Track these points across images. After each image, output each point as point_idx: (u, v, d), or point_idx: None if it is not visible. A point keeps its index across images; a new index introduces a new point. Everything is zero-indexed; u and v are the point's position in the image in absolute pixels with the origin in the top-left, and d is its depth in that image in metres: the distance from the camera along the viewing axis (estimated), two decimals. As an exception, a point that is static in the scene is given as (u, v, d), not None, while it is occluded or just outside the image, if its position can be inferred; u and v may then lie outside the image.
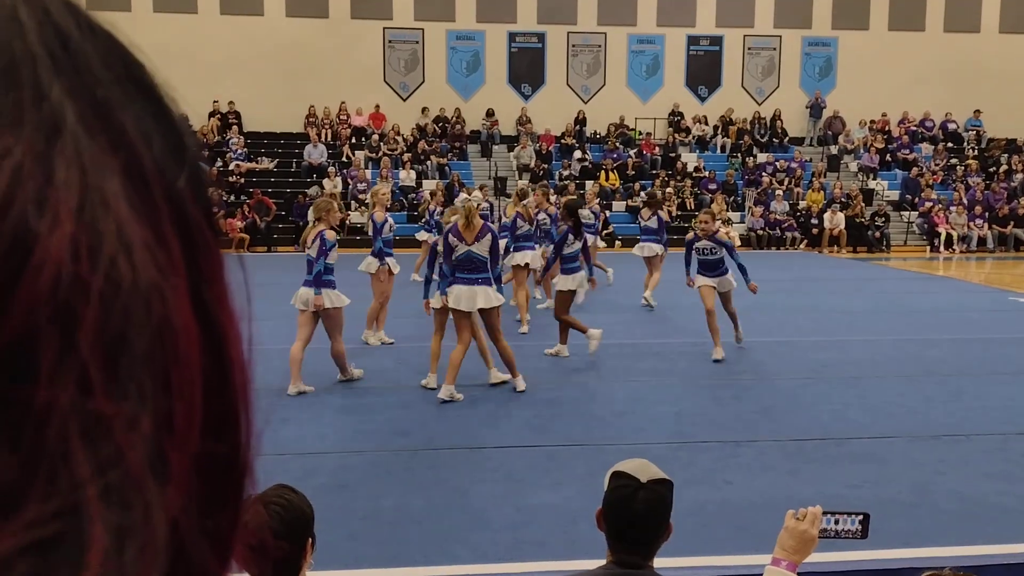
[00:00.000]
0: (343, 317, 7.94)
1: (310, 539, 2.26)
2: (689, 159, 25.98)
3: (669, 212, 23.65)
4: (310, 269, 7.77)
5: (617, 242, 21.54)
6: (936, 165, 26.25)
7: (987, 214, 23.90)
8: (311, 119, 25.62)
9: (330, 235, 7.85)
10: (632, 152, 25.80)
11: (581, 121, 26.71)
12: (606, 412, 7.22)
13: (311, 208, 9.32)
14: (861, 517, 2.29)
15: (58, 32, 0.28)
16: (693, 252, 9.63)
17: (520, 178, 24.47)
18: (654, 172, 25.32)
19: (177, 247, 0.28)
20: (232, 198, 22.58)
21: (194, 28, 25.27)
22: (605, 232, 18.79)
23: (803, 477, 5.74)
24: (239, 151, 24.24)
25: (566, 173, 24.80)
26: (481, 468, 5.94)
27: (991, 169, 26.29)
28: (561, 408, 7.33)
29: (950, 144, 27.43)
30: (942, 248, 23.03)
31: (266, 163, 24.47)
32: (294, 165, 24.65)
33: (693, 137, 26.93)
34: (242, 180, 23.35)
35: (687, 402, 7.53)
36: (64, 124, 0.26)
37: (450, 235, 7.50)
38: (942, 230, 23.29)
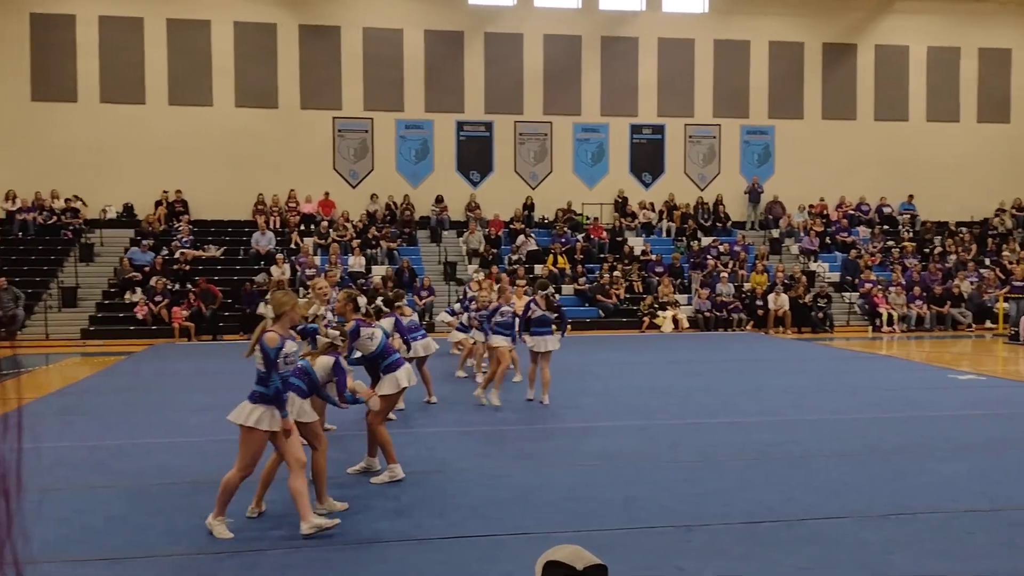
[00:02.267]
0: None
1: None
2: (636, 243, 26.45)
3: (617, 295, 23.96)
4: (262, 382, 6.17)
5: (568, 326, 21.57)
6: (874, 247, 27.08)
7: (925, 294, 24.61)
8: (259, 207, 25.60)
9: (271, 339, 6.14)
10: (580, 236, 26.19)
11: (529, 206, 27.12)
12: (553, 497, 7.10)
13: (268, 304, 7.20)
14: None
15: None
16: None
17: (470, 263, 24.60)
18: (602, 256, 25.68)
19: None
20: (178, 286, 22.27)
21: (142, 118, 25.31)
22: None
23: (755, 562, 5.67)
24: (185, 239, 24.03)
25: (515, 257, 25.01)
26: (431, 560, 5.76)
27: (926, 251, 27.19)
28: (507, 493, 7.19)
29: (886, 227, 28.38)
30: (884, 327, 23.56)
31: (213, 251, 24.26)
32: (241, 252, 24.48)
33: (639, 222, 27.47)
34: (187, 267, 23.08)
35: (636, 486, 7.45)
36: None
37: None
38: (883, 310, 23.88)
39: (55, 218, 24.29)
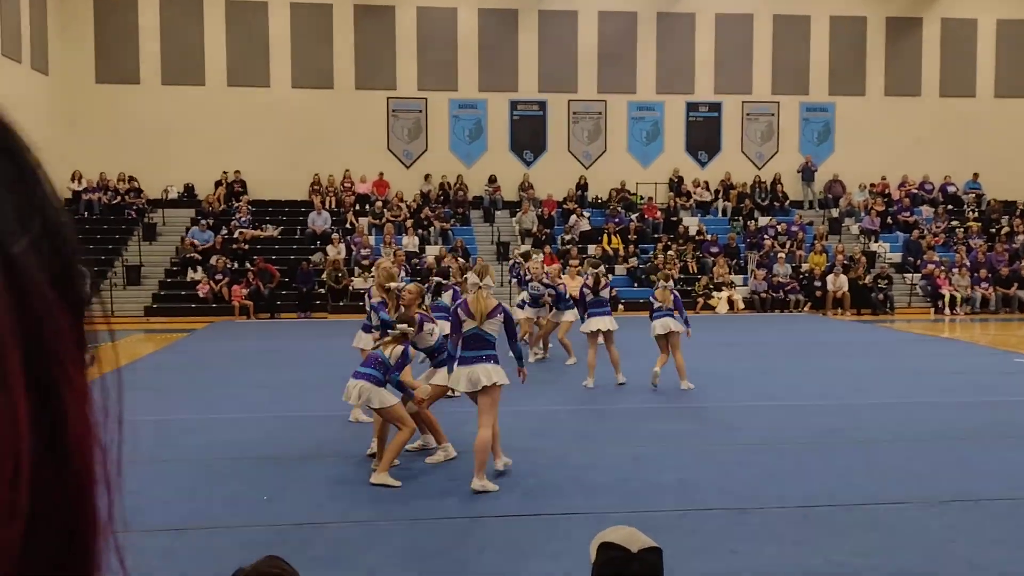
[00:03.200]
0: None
1: None
2: (691, 223, 26.14)
3: (671, 276, 23.71)
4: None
5: (620, 306, 21.51)
6: (937, 227, 26.36)
7: (990, 276, 23.90)
8: (315, 187, 25.91)
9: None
10: (634, 216, 25.98)
11: (583, 186, 26.96)
12: (608, 479, 7.10)
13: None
14: None
15: None
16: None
17: (523, 242, 24.60)
18: (656, 236, 25.45)
19: (7, 316, 0.27)
20: (236, 265, 22.70)
21: (202, 100, 25.74)
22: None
23: (810, 546, 5.62)
24: (244, 219, 24.46)
25: (568, 238, 24.93)
26: (481, 538, 5.82)
27: (992, 231, 26.38)
28: (562, 474, 7.22)
29: (950, 206, 27.59)
30: (946, 310, 22.97)
31: (270, 230, 24.66)
32: (298, 232, 24.83)
33: (694, 201, 27.14)
34: (246, 247, 23.50)
35: (691, 469, 7.42)
36: None
37: (459, 310, 7.07)
38: (945, 292, 23.26)
39: (119, 198, 24.92)
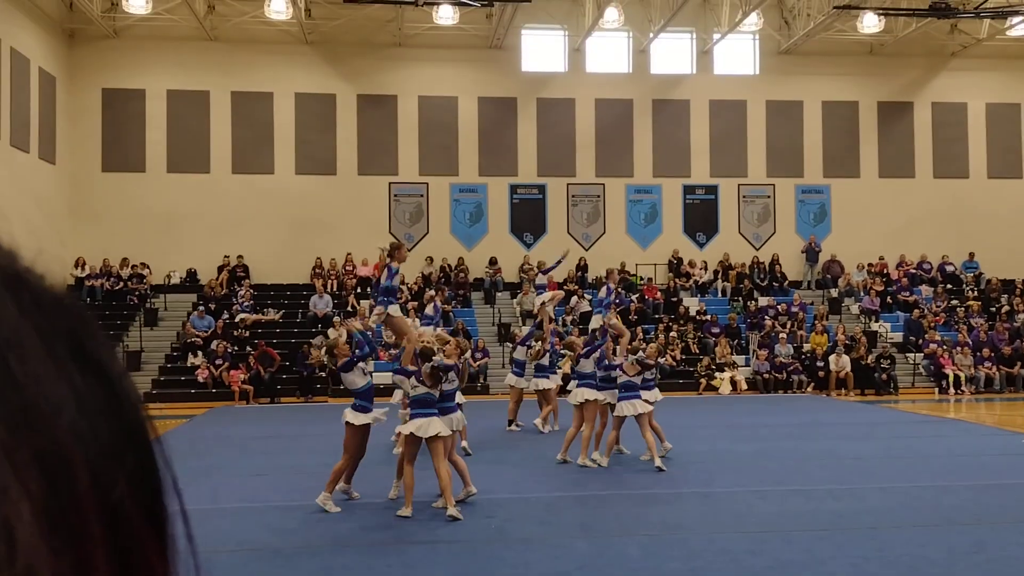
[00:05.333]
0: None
1: None
2: (691, 303, 26.20)
3: (672, 356, 23.66)
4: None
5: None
6: (937, 307, 26.41)
7: (993, 355, 23.84)
8: (317, 270, 26.06)
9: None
10: (634, 297, 26.05)
11: (583, 267, 27.12)
12: (617, 571, 6.93)
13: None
14: None
15: None
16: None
17: (523, 324, 24.60)
18: (657, 317, 25.48)
19: (106, 571, 0.25)
20: (237, 350, 22.65)
21: (207, 187, 26.12)
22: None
23: (827, 639, 5.44)
24: (246, 303, 24.52)
25: (569, 319, 24.93)
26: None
27: (992, 309, 26.43)
28: (569, 566, 7.05)
29: (949, 286, 27.70)
30: (951, 389, 22.82)
31: (272, 314, 24.69)
32: (299, 316, 24.86)
33: (694, 282, 27.25)
34: (247, 333, 23.50)
35: (700, 558, 7.25)
36: None
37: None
38: (949, 371, 23.15)
39: (122, 284, 25.03)
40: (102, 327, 0.29)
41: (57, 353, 0.26)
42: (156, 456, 0.29)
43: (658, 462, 10.78)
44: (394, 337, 10.39)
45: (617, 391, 11.09)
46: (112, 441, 0.26)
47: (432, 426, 8.39)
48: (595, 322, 14.51)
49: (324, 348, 10.32)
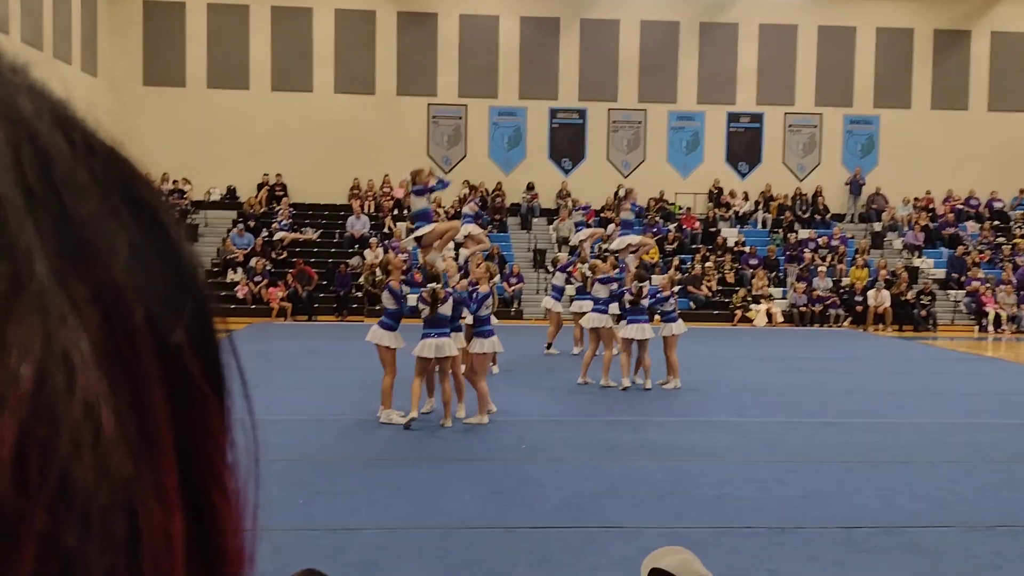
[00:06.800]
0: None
1: None
2: (730, 234, 25.90)
3: (708, 287, 23.53)
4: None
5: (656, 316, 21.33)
6: (983, 243, 25.84)
7: (1037, 294, 23.37)
8: (355, 191, 26.10)
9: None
10: (672, 226, 25.80)
11: (621, 195, 26.83)
12: (646, 493, 7.03)
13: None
14: None
15: (42, 160, 0.25)
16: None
17: (559, 250, 24.53)
18: (694, 246, 25.26)
19: (165, 415, 0.25)
20: (275, 268, 22.93)
21: (246, 103, 26.07)
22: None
23: (851, 568, 5.51)
24: (284, 222, 24.71)
25: (604, 247, 24.80)
26: (516, 550, 5.79)
27: (1040, 248, 25.79)
28: (599, 487, 7.16)
29: (996, 223, 27.04)
30: (991, 328, 22.49)
31: (310, 233, 24.87)
32: (337, 236, 25.02)
33: (733, 212, 26.89)
34: (285, 253, 23.74)
35: (729, 484, 7.32)
36: (30, 277, 0.22)
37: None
38: (990, 310, 22.78)
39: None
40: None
41: (112, 198, 0.26)
42: (213, 315, 0.29)
43: (648, 384, 11.25)
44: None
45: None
46: (169, 289, 0.26)
47: (446, 347, 8.80)
48: (619, 243, 14.64)
49: (380, 262, 10.98)
